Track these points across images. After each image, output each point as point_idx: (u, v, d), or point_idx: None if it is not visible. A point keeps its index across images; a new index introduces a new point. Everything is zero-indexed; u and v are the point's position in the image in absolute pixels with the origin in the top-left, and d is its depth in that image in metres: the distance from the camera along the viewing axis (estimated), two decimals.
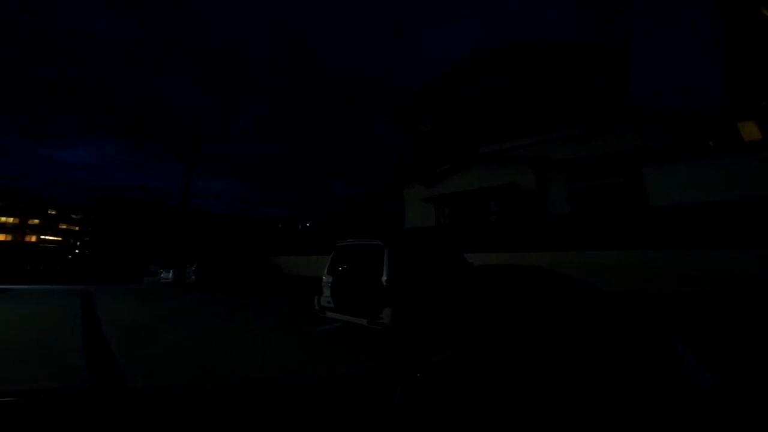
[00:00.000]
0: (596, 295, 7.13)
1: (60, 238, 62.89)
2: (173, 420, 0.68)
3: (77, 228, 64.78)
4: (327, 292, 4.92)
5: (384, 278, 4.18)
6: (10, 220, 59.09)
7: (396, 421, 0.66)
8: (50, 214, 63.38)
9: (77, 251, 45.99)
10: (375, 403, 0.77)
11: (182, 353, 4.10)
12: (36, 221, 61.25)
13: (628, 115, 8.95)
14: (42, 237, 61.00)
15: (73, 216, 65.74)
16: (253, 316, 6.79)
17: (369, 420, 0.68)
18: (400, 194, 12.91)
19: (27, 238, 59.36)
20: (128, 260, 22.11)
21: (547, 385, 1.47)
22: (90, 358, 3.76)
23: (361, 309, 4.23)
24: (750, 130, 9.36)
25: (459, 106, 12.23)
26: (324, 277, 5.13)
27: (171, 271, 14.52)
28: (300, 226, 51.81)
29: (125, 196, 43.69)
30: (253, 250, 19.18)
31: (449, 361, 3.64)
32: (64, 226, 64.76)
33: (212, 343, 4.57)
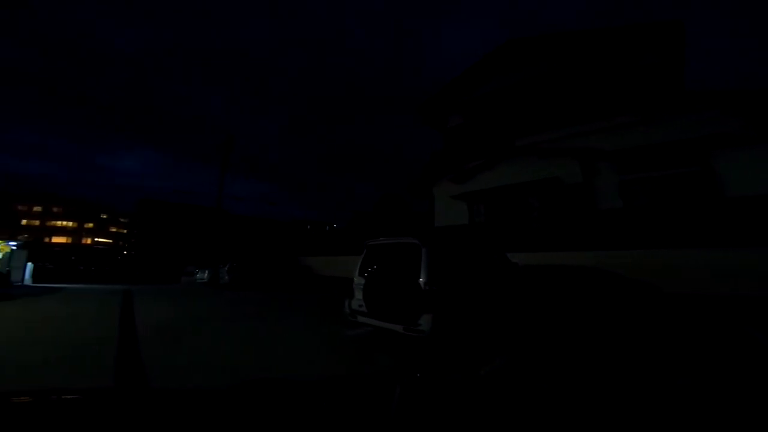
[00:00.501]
0: (669, 300, 6.27)
1: (110, 241, 68.01)
2: (174, 420, 0.67)
3: (125, 231, 69.72)
4: (358, 294, 4.55)
5: (422, 280, 3.75)
6: (70, 224, 64.79)
7: (395, 420, 0.64)
8: (102, 218, 68.74)
9: (124, 252, 49.36)
10: (375, 403, 0.75)
11: (208, 357, 3.98)
12: (90, 225, 66.65)
13: (687, 100, 7.94)
14: (96, 239, 66.30)
15: (121, 220, 70.86)
16: (283, 319, 6.63)
17: (369, 420, 0.66)
18: (429, 192, 12.41)
19: (84, 241, 64.79)
20: (167, 261, 23.22)
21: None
22: (119, 359, 3.74)
23: (396, 314, 3.82)
24: None
25: (491, 97, 11.55)
26: (355, 279, 4.78)
27: (206, 272, 14.95)
28: (327, 227, 52.51)
29: (164, 200, 46.43)
30: (282, 251, 19.42)
31: (499, 372, 3.22)
32: (113, 229, 69.99)
33: (240, 347, 4.40)
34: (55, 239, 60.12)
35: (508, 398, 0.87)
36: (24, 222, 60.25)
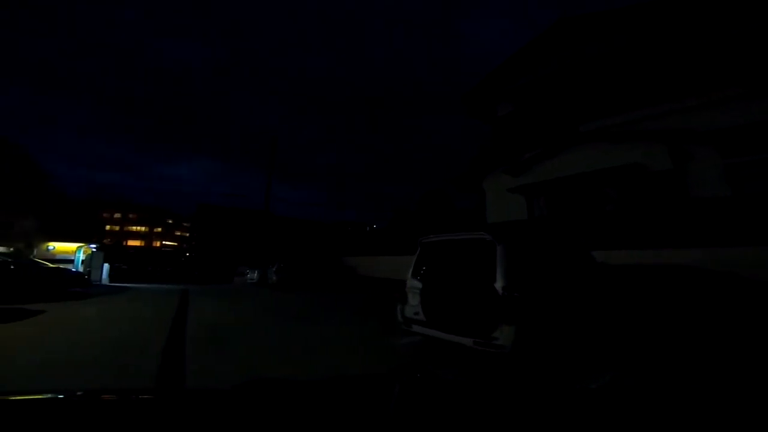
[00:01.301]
0: None
1: (176, 243, 74.89)
2: (174, 420, 0.66)
3: (187, 234, 76.38)
4: (413, 300, 3.96)
5: (499, 285, 3.06)
6: (143, 228, 72.54)
7: (394, 420, 0.63)
8: (168, 222, 75.98)
9: (186, 254, 53.94)
10: (375, 404, 0.74)
11: (252, 361, 3.73)
12: (159, 229, 74.02)
13: None
14: (163, 242, 73.46)
15: (184, 224, 77.74)
16: (329, 323, 6.30)
17: (368, 420, 0.65)
18: (479, 187, 11.49)
19: (154, 243, 72.10)
20: (222, 262, 24.54)
21: None
22: (164, 360, 3.65)
23: (464, 325, 3.16)
24: None
25: (545, 82, 10.36)
26: (408, 282, 4.19)
27: (255, 272, 15.41)
28: (367, 228, 52.62)
29: (219, 205, 49.75)
30: (326, 251, 19.50)
31: (607, 391, 2.49)
32: (178, 233, 77.02)
33: (285, 353, 4.08)
34: (131, 242, 67.55)
35: (632, 414, 0.77)
36: (107, 227, 68.59)
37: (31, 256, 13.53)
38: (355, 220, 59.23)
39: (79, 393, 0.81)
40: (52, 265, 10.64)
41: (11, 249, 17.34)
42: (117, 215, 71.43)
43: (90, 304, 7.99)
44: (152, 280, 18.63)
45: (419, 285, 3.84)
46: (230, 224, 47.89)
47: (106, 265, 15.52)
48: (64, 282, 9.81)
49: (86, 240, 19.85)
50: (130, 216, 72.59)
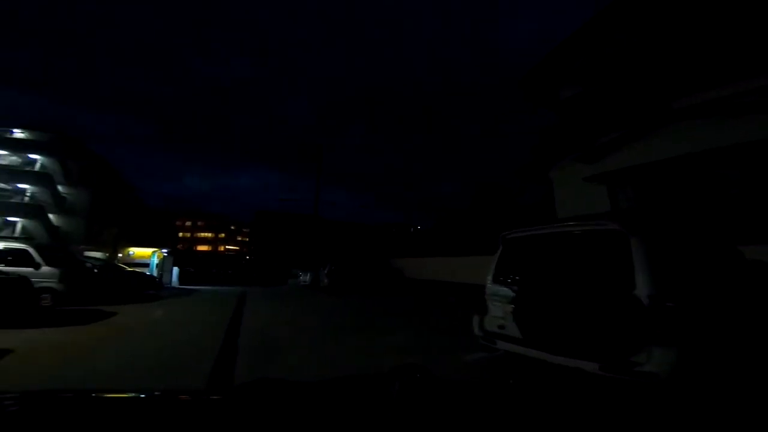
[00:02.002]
0: None
1: (238, 248, 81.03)
2: (174, 421, 0.66)
3: (247, 239, 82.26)
4: (495, 310, 3.20)
5: (644, 292, 2.17)
6: (209, 235, 79.72)
7: (394, 420, 0.61)
8: (231, 229, 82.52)
9: (247, 257, 57.91)
10: (375, 403, 0.73)
11: (305, 373, 3.32)
12: (222, 235, 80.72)
13: None
14: (227, 247, 79.94)
15: (244, 230, 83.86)
16: (386, 333, 5.77)
17: (369, 420, 0.64)
18: (545, 177, 10.21)
19: (219, 248, 78.81)
20: (277, 265, 25.55)
21: None
22: (215, 368, 3.48)
23: (585, 345, 2.28)
24: None
25: (621, 56, 8.79)
26: (488, 288, 3.42)
27: (308, 275, 15.59)
28: (412, 229, 51.75)
29: (274, 211, 52.62)
30: (373, 253, 19.15)
31: None
32: (239, 238, 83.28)
33: (339, 367, 3.62)
34: (200, 247, 74.52)
35: None
36: (180, 234, 76.51)
37: (116, 261, 15.13)
38: (399, 222, 58.80)
39: (88, 392, 0.85)
40: (129, 269, 11.64)
41: (106, 254, 19.68)
42: (188, 223, 79.25)
43: (158, 307, 8.44)
44: (216, 282, 19.93)
45: (507, 292, 3.03)
46: (284, 229, 50.39)
47: (175, 269, 16.83)
48: (139, 285, 10.59)
49: (163, 245, 22.01)
50: (199, 223, 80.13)
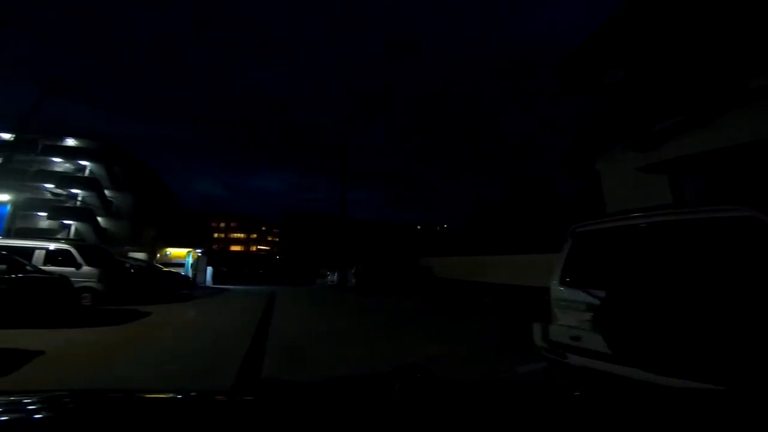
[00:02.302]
0: None
1: (268, 248, 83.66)
2: (174, 420, 0.66)
3: (277, 239, 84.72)
4: (567, 318, 2.68)
5: None
6: (242, 235, 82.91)
7: (394, 420, 0.61)
8: (262, 229, 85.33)
9: (277, 257, 59.52)
10: (374, 404, 0.73)
11: None
12: (254, 235, 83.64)
13: None
14: (259, 247, 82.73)
15: (274, 230, 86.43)
16: (422, 338, 5.35)
17: (368, 420, 0.64)
18: (590, 169, 9.32)
19: (251, 248, 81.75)
20: (305, 264, 25.78)
21: None
22: (241, 373, 3.32)
23: (716, 366, 1.68)
24: None
25: (678, 34, 7.76)
26: (554, 290, 2.87)
27: (335, 274, 15.46)
28: (438, 228, 50.69)
29: (302, 211, 53.65)
30: (401, 252, 18.73)
31: None
32: (270, 238, 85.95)
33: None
34: (234, 247, 77.66)
35: None
36: (215, 235, 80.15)
37: (154, 261, 15.80)
38: (426, 220, 57.87)
39: (89, 391, 0.86)
40: (165, 269, 12.01)
41: (146, 254, 20.71)
42: (222, 224, 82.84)
43: (191, 307, 8.55)
44: (247, 281, 20.39)
45: (583, 296, 2.48)
46: (312, 229, 51.25)
47: (209, 269, 17.35)
48: (174, 285, 10.85)
49: (199, 246, 22.92)
50: (232, 224, 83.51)
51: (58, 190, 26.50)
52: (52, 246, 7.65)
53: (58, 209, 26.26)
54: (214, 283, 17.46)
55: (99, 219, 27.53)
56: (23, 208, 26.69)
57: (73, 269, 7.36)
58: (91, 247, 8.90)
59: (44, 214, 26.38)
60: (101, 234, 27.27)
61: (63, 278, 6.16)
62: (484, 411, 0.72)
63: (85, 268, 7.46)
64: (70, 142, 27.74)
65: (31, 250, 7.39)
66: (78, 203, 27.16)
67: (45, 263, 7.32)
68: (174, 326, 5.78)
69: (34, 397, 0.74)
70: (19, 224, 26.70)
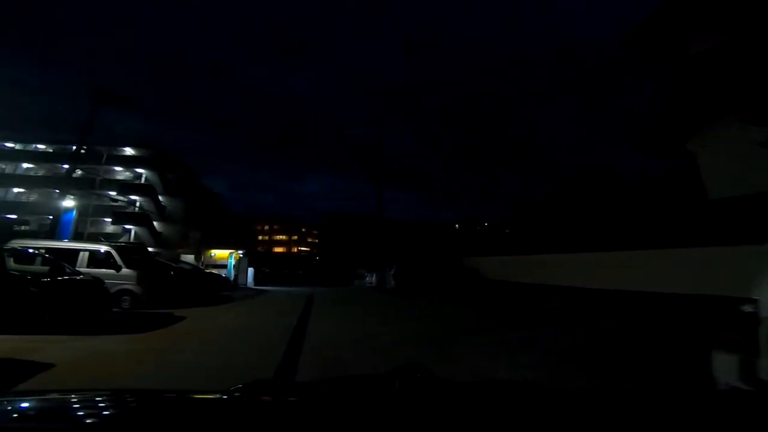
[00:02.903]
0: None
1: (309, 249, 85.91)
2: (173, 420, 0.66)
3: (316, 240, 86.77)
4: None
5: None
6: (284, 237, 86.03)
7: (394, 420, 0.61)
8: (302, 231, 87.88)
9: (317, 258, 60.63)
10: (375, 403, 0.74)
11: None
12: (295, 237, 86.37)
13: None
14: (300, 248, 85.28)
15: (314, 231, 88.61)
16: (488, 352, 4.32)
17: (368, 420, 0.64)
18: (679, 148, 7.66)
19: (293, 249, 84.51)
20: (343, 265, 25.49)
21: None
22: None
23: None
24: None
25: None
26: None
27: (374, 275, 14.74)
28: (478, 227, 48.26)
29: (340, 212, 54.01)
30: (441, 252, 17.55)
31: None
32: (310, 240, 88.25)
33: None
34: (277, 249, 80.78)
35: None
36: (260, 237, 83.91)
37: (200, 263, 16.22)
38: (468, 217, 55.50)
39: (89, 391, 0.87)
40: (207, 271, 12.06)
41: (194, 256, 21.57)
42: (266, 227, 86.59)
43: (228, 310, 8.23)
44: (287, 282, 20.45)
45: None
46: (349, 229, 51.41)
47: (250, 270, 17.49)
48: (214, 287, 10.75)
49: (244, 248, 23.54)
50: (275, 227, 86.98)
51: (120, 197, 28.80)
52: (94, 248, 7.69)
53: (120, 215, 28.51)
54: (255, 284, 17.59)
55: (155, 223, 29.50)
56: (93, 215, 29.48)
57: (113, 271, 7.32)
58: (133, 249, 8.97)
59: (109, 219, 28.79)
60: (157, 237, 29.18)
61: (97, 281, 5.99)
62: (483, 411, 0.72)
63: (125, 271, 7.39)
64: (129, 151, 30.03)
65: (76, 252, 7.47)
66: (136, 209, 29.31)
67: (88, 265, 7.35)
68: (201, 336, 5.31)
69: (36, 397, 0.80)
70: (90, 229, 29.56)
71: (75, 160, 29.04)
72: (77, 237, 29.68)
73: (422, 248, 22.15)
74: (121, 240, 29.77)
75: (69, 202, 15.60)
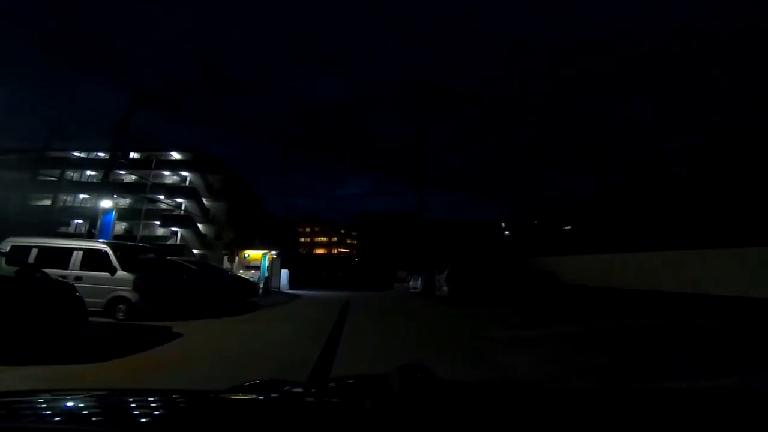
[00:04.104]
0: None
1: (347, 250, 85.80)
2: (173, 420, 0.66)
3: (355, 242, 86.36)
4: None
5: None
6: (324, 239, 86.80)
7: (395, 420, 0.60)
8: (342, 232, 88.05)
9: (355, 259, 59.56)
10: (374, 403, 0.69)
11: None
12: (335, 238, 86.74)
13: None
14: (339, 250, 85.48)
15: (353, 233, 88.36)
16: None
17: (368, 420, 0.63)
18: None
19: (333, 251, 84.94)
20: (382, 267, 23.55)
21: None
22: None
23: None
24: None
25: None
26: None
27: (419, 279, 12.55)
28: (535, 222, 43.92)
29: (378, 212, 52.54)
30: (499, 252, 14.88)
31: None
32: (349, 241, 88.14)
33: None
34: (317, 251, 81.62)
35: None
36: (302, 240, 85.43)
37: (233, 264, 15.21)
38: (506, 217, 51.03)
39: (89, 390, 0.90)
40: (232, 274, 10.75)
41: (227, 257, 20.92)
42: (307, 229, 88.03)
43: (241, 325, 6.63)
44: (324, 285, 19.02)
45: None
46: (388, 230, 49.55)
47: (284, 272, 16.19)
48: (237, 292, 9.31)
49: (284, 248, 22.67)
50: (316, 229, 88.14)
51: (167, 201, 29.64)
52: (89, 246, 6.48)
53: (167, 217, 29.28)
54: (290, 287, 16.29)
55: (199, 225, 29.97)
56: (145, 218, 30.77)
57: (107, 274, 6.02)
58: (141, 249, 7.78)
59: (157, 222, 29.73)
60: (201, 239, 29.65)
61: (66, 287, 4.58)
62: (484, 411, 0.72)
63: (121, 274, 6.06)
64: (175, 155, 30.90)
65: (70, 251, 6.29)
66: (182, 212, 29.99)
67: (82, 267, 6.15)
68: (176, 370, 3.60)
69: (35, 397, 0.76)
70: (142, 232, 30.86)
71: (128, 166, 30.49)
72: (130, 241, 31.14)
73: (471, 248, 19.49)
74: (168, 242, 30.81)
75: (107, 203, 15.52)
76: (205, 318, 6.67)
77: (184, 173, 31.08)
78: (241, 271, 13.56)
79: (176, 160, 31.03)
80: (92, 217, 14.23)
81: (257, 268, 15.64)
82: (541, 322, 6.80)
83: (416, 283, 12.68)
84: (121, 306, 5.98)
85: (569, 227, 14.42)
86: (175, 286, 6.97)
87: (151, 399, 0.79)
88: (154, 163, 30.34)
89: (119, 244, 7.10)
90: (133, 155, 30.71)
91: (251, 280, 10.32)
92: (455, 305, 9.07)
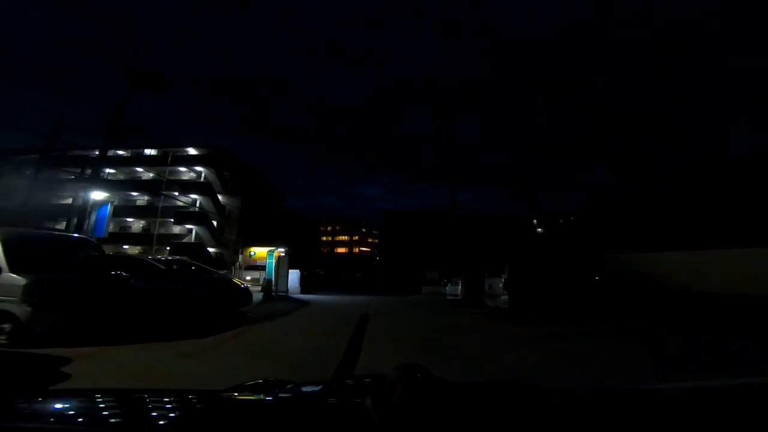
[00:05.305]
0: None
1: (369, 249, 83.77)
2: (173, 420, 0.67)
3: (377, 240, 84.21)
4: None
5: None
6: (345, 237, 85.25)
7: (395, 420, 0.62)
8: (362, 231, 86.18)
9: (377, 258, 57.19)
10: (375, 403, 0.70)
11: None
12: (356, 237, 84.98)
13: None
14: (360, 249, 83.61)
15: (374, 231, 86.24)
16: None
17: (368, 420, 0.64)
18: None
19: (354, 250, 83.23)
20: (407, 267, 20.81)
21: None
22: None
23: None
24: None
25: None
26: None
27: (459, 285, 9.79)
28: (561, 220, 39.93)
29: (401, 209, 49.94)
30: (566, 248, 11.83)
31: None
32: (370, 240, 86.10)
33: None
34: (339, 249, 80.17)
35: None
36: (323, 238, 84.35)
37: (238, 261, 13.14)
38: (533, 214, 46.81)
39: (88, 390, 0.86)
40: (220, 277, 8.52)
41: (231, 254, 18.99)
42: (329, 228, 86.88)
43: (183, 358, 4.24)
44: (342, 288, 16.71)
45: None
46: (412, 227, 46.72)
47: (293, 273, 13.91)
48: (225, 300, 7.05)
49: (304, 247, 20.71)
50: (337, 227, 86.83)
51: (182, 198, 28.52)
52: None
53: (181, 214, 28.09)
54: (301, 291, 14.01)
55: (214, 222, 28.62)
56: (162, 216, 29.86)
57: None
58: (55, 238, 5.60)
59: (171, 219, 28.63)
60: (217, 237, 28.30)
61: None
62: (485, 411, 0.72)
63: (6, 276, 3.87)
64: (191, 151, 29.75)
65: None
66: (196, 209, 28.76)
67: None
68: None
69: (35, 397, 0.76)
70: (159, 230, 29.95)
71: (148, 163, 29.55)
72: (147, 239, 30.22)
73: (514, 245, 16.40)
74: (183, 240, 29.75)
75: (98, 195, 13.95)
76: (146, 341, 4.39)
77: (199, 169, 29.78)
78: (243, 272, 11.39)
79: (191, 156, 29.82)
80: (81, 210, 12.51)
81: (263, 268, 13.46)
82: (697, 361, 3.98)
83: (455, 289, 9.94)
84: (5, 326, 3.79)
85: (651, 216, 11.18)
86: (104, 293, 4.71)
87: (151, 399, 0.80)
88: (169, 158, 29.36)
89: (16, 231, 4.85)
90: (148, 152, 30.01)
91: (242, 284, 8.00)
92: (522, 323, 6.32)
